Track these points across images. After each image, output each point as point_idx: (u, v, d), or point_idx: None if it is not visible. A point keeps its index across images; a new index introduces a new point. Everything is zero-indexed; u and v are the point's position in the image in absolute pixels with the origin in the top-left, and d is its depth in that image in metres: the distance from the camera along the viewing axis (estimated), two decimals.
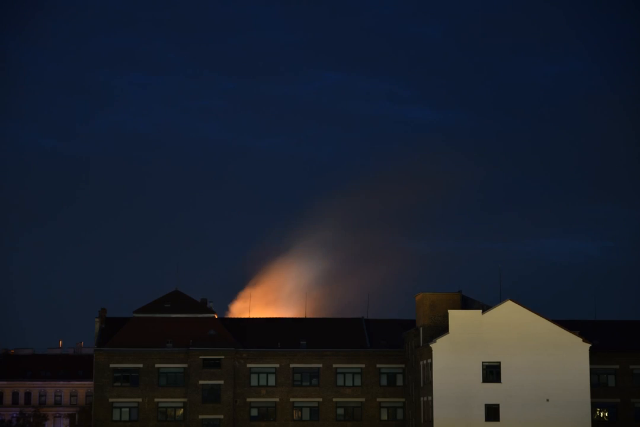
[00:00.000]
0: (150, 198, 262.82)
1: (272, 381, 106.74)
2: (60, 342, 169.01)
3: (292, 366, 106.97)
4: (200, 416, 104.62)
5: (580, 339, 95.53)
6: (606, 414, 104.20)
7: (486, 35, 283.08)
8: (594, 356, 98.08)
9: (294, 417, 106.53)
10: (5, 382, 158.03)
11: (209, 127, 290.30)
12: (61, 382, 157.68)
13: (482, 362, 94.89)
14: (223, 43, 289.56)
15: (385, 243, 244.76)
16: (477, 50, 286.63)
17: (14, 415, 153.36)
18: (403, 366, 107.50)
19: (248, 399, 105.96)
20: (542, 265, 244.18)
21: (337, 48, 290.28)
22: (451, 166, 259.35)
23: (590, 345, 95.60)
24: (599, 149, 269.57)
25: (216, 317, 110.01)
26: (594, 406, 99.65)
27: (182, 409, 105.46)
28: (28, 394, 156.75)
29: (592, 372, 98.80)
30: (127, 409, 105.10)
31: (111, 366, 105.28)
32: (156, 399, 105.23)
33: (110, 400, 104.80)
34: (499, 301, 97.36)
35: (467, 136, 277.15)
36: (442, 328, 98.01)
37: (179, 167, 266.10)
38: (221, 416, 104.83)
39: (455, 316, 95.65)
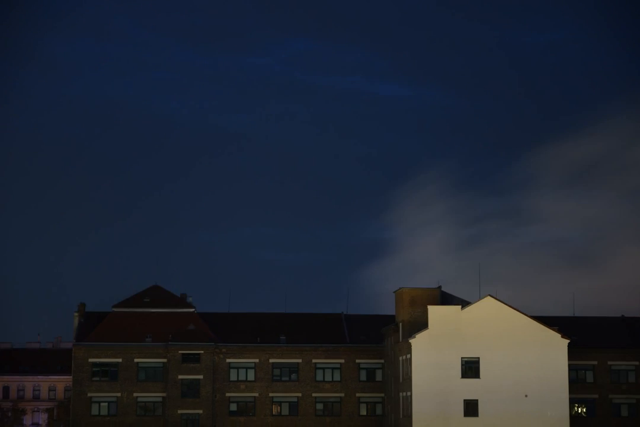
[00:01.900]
0: (129, 190, 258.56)
1: (251, 376, 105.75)
2: (39, 336, 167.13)
3: (271, 361, 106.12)
4: (179, 411, 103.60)
5: (558, 335, 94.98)
6: (584, 410, 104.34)
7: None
8: (573, 351, 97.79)
9: (273, 413, 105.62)
10: None
11: (161, 99, 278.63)
12: (40, 377, 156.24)
13: (461, 357, 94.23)
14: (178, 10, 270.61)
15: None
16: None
17: None
18: (382, 361, 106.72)
19: (227, 394, 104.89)
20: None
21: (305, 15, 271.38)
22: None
23: (568, 341, 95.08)
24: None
25: (196, 311, 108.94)
26: (572, 402, 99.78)
27: (161, 404, 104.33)
28: (6, 389, 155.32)
29: (571, 368, 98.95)
30: (106, 404, 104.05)
31: (90, 360, 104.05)
32: (135, 394, 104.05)
33: (89, 395, 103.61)
34: (479, 296, 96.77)
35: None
36: (421, 324, 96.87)
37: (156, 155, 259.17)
38: (200, 411, 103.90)
39: (435, 312, 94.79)
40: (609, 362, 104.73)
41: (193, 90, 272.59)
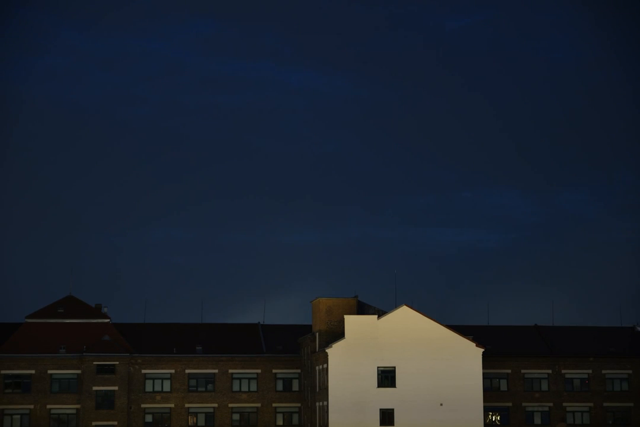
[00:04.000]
0: (40, 195, 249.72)
1: (167, 386, 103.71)
2: None
3: (187, 371, 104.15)
4: (94, 423, 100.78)
5: (473, 344, 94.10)
6: (498, 418, 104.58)
7: None
8: (487, 360, 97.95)
9: (190, 423, 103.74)
10: None
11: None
12: None
13: (377, 367, 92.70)
14: None
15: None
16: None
17: None
18: (299, 371, 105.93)
19: (142, 405, 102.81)
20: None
21: None
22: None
23: (483, 350, 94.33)
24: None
25: (111, 322, 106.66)
26: (486, 410, 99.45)
27: (75, 416, 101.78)
28: None
29: (485, 376, 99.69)
30: (19, 416, 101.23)
31: (2, 372, 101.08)
32: (48, 406, 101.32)
33: (1, 407, 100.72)
34: (395, 305, 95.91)
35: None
36: (338, 333, 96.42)
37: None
38: (115, 423, 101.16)
39: (351, 321, 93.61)
40: (523, 371, 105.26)
41: (90, 77, 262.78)
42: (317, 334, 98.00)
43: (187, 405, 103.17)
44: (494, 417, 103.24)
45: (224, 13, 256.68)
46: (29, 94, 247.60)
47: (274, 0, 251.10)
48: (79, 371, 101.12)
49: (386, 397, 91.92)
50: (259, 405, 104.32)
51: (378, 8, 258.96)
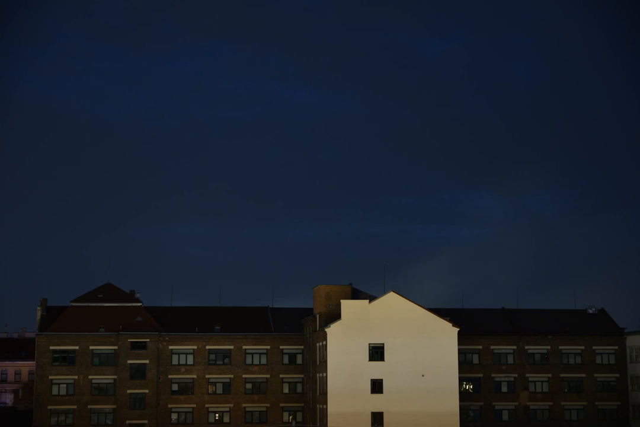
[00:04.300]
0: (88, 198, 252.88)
1: (190, 360, 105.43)
2: (6, 327, 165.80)
3: (207, 347, 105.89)
4: (128, 391, 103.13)
5: (450, 324, 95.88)
6: (471, 387, 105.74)
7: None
8: (461, 338, 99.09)
9: (209, 391, 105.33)
10: None
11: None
12: (7, 362, 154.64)
13: (369, 343, 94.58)
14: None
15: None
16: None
17: None
18: (302, 347, 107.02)
19: (170, 376, 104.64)
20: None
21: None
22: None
23: (458, 329, 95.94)
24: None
25: (142, 305, 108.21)
26: (461, 380, 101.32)
27: (113, 385, 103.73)
28: None
29: (460, 351, 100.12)
30: (65, 385, 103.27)
31: (51, 348, 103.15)
32: (90, 377, 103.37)
33: (50, 377, 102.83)
34: (384, 291, 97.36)
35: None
36: (335, 315, 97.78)
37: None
38: (146, 391, 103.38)
39: (347, 305, 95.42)
40: (492, 347, 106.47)
41: (117, 93, 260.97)
42: (317, 316, 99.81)
43: (207, 376, 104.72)
44: (467, 386, 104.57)
45: (237, 38, 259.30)
46: (65, 110, 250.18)
47: (279, 28, 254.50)
48: (115, 347, 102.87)
49: (376, 369, 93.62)
50: (268, 376, 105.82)
51: (369, 35, 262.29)
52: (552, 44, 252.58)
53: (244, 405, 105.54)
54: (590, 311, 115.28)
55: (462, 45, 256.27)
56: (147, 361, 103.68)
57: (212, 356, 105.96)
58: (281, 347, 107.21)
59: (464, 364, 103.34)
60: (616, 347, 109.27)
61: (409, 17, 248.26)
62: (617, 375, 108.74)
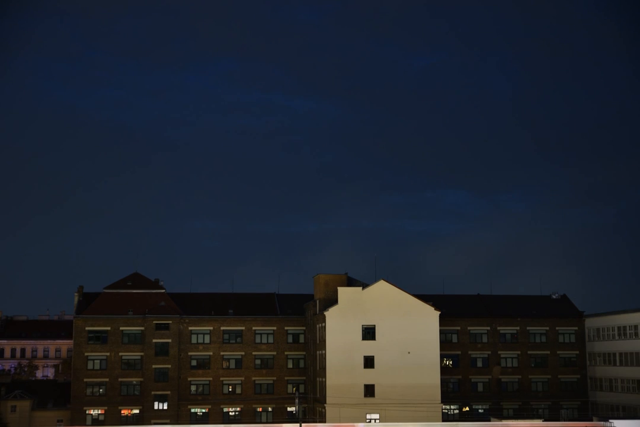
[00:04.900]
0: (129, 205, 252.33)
1: (207, 339, 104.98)
2: (48, 311, 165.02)
3: (222, 328, 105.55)
4: (154, 366, 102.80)
5: (432, 308, 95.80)
6: (450, 362, 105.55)
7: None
8: (442, 320, 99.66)
9: (224, 366, 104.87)
10: (5, 341, 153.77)
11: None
12: (48, 341, 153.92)
13: (362, 325, 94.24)
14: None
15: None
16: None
17: (13, 365, 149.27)
18: (304, 328, 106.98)
19: (189, 353, 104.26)
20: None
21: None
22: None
23: (439, 312, 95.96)
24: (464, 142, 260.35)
25: (166, 292, 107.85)
26: (442, 357, 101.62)
27: (140, 361, 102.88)
28: (23, 350, 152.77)
29: (441, 332, 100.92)
30: (99, 361, 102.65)
31: (87, 328, 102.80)
32: (120, 353, 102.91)
33: (86, 354, 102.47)
34: (375, 280, 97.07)
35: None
36: (333, 300, 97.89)
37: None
38: (169, 366, 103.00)
39: (343, 292, 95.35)
40: (469, 328, 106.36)
41: (138, 103, 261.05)
42: (317, 301, 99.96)
43: (222, 353, 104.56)
44: (447, 362, 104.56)
45: (244, 53, 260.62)
46: (91, 118, 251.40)
47: (282, 45, 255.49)
48: (142, 328, 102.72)
49: (368, 347, 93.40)
50: (274, 353, 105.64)
51: (364, 50, 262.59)
52: (533, 57, 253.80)
53: (253, 378, 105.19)
54: (554, 297, 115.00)
55: (450, 58, 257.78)
56: (169, 340, 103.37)
57: (226, 336, 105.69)
58: (286, 328, 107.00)
59: (444, 343, 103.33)
60: (576, 328, 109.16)
61: (400, 33, 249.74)
62: (577, 352, 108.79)
